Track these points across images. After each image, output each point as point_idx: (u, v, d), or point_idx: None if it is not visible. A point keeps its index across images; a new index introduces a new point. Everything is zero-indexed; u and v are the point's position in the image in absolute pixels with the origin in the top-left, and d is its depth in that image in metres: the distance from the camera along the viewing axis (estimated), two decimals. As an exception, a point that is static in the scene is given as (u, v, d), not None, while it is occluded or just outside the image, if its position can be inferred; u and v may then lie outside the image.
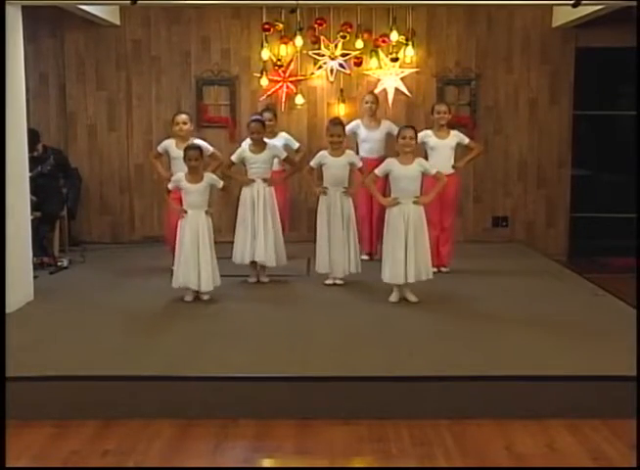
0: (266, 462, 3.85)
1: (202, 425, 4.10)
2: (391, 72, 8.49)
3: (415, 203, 5.79)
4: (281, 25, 8.41)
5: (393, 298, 5.92)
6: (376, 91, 8.14)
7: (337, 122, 6.47)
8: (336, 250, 6.37)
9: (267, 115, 7.29)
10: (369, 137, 7.46)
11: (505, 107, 8.73)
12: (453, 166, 6.83)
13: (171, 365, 4.49)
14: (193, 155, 5.91)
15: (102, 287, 6.63)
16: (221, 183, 6.08)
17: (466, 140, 7.00)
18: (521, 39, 8.63)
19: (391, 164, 5.87)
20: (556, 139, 8.76)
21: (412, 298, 5.91)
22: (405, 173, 5.80)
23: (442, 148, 6.85)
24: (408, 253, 5.75)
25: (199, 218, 5.88)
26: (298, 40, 8.34)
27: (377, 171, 5.95)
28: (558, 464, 3.71)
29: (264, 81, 8.52)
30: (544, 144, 8.77)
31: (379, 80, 8.53)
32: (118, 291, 6.47)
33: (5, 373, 4.11)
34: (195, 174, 5.93)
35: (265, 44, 8.43)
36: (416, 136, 5.91)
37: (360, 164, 6.46)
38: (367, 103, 7.56)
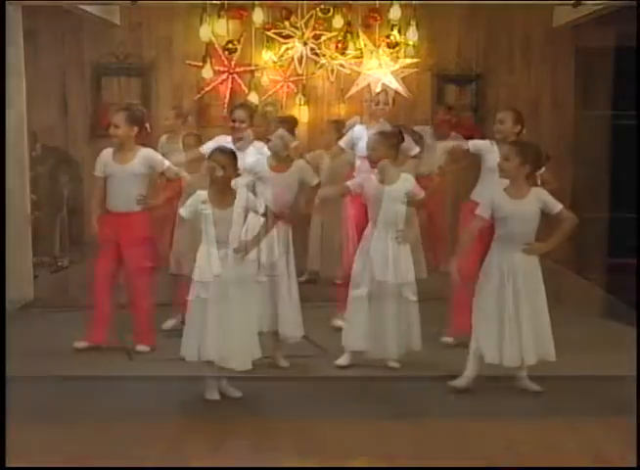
0: (266, 462, 3.85)
1: (202, 425, 4.10)
2: (391, 71, 8.47)
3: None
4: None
5: None
6: (376, 91, 8.13)
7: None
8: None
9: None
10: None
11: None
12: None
13: (171, 365, 4.49)
14: None
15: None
16: None
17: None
18: (521, 39, 8.62)
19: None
20: (556, 139, 8.75)
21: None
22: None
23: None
24: None
25: None
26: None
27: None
28: (558, 464, 3.71)
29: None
30: (544, 144, 8.72)
31: (379, 80, 8.52)
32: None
33: (5, 373, 4.11)
34: None
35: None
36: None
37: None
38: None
